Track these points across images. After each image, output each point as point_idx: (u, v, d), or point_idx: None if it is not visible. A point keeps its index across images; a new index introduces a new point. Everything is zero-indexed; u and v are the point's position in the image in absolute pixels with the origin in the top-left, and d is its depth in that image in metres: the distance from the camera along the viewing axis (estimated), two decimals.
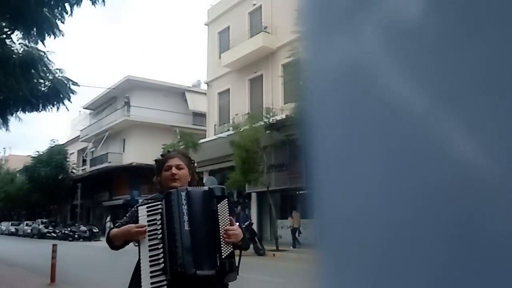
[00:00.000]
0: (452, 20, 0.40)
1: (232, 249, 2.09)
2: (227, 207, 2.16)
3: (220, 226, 2.10)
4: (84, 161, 39.91)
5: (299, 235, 17.05)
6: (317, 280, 0.49)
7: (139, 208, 2.15)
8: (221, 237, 2.08)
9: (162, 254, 2.04)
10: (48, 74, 11.08)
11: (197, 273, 2.02)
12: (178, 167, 2.24)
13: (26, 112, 11.56)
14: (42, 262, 10.04)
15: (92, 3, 9.25)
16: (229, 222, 2.14)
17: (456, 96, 0.40)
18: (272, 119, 16.42)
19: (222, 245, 2.07)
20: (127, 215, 2.25)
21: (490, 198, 0.37)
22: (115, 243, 2.15)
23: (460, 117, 0.39)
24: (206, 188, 2.21)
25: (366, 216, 0.45)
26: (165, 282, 2.01)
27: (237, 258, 2.12)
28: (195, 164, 2.39)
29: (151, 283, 2.00)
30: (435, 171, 0.40)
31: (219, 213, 2.13)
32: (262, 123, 16.22)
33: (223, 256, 2.06)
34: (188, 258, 2.05)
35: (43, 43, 10.09)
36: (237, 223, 2.28)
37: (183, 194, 2.14)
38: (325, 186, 0.49)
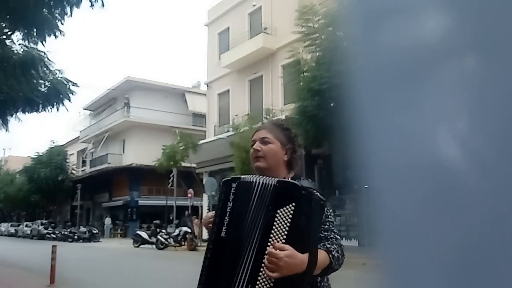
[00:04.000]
0: None
1: (270, 286, 1.36)
2: (291, 216, 1.39)
3: (270, 244, 1.38)
4: (83, 162, 39.89)
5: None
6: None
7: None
8: (264, 262, 1.38)
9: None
10: (48, 75, 11.07)
11: None
12: (263, 141, 1.62)
13: (26, 113, 11.57)
14: (42, 263, 10.02)
15: (91, 6, 9.23)
16: (283, 239, 1.37)
17: None
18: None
19: (259, 276, 1.38)
20: None
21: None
22: None
23: None
24: (272, 180, 1.48)
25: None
26: None
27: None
28: (296, 139, 1.69)
29: None
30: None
31: (275, 222, 1.40)
32: (262, 124, 16.20)
33: None
34: (208, 281, 1.50)
35: (43, 44, 10.09)
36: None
37: (234, 185, 1.53)
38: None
